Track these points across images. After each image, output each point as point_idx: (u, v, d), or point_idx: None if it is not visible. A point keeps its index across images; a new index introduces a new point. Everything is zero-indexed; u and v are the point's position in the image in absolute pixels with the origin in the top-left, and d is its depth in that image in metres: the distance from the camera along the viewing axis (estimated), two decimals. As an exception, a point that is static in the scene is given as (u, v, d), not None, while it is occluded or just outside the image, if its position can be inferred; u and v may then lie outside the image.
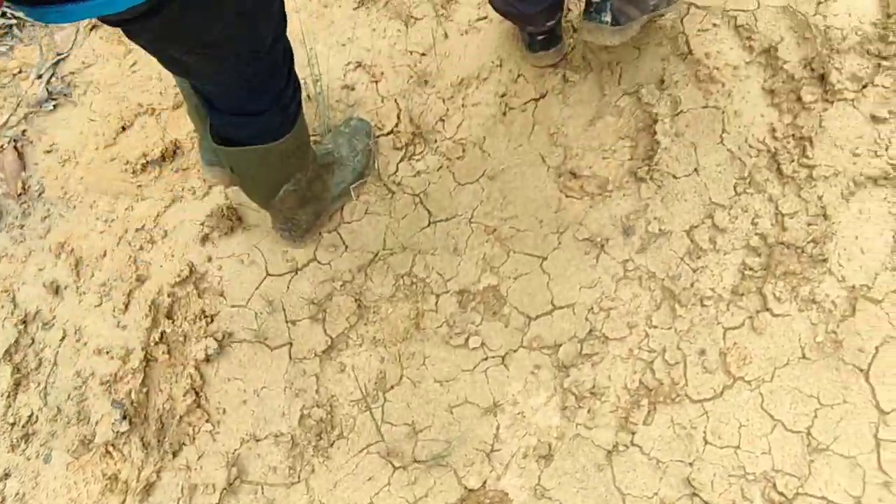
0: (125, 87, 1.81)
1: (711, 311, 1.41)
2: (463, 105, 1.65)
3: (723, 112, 1.52)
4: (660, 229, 1.48)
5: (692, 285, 1.43)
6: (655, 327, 1.42)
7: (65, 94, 1.84)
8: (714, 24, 1.57)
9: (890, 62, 1.46)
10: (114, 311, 1.61)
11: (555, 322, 1.47)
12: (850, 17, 1.49)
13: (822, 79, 1.48)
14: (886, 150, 1.42)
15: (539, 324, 1.47)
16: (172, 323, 1.57)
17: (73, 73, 1.86)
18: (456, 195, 1.59)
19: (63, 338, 1.62)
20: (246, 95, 1.11)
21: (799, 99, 1.48)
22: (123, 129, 1.77)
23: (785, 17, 1.52)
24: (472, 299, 1.50)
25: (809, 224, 1.41)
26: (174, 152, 1.72)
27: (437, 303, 1.51)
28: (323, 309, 1.54)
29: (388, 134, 1.66)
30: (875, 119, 1.44)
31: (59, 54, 1.87)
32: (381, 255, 1.55)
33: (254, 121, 1.15)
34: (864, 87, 1.47)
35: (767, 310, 1.39)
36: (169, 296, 1.59)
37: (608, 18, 1.38)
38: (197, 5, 0.87)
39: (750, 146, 1.49)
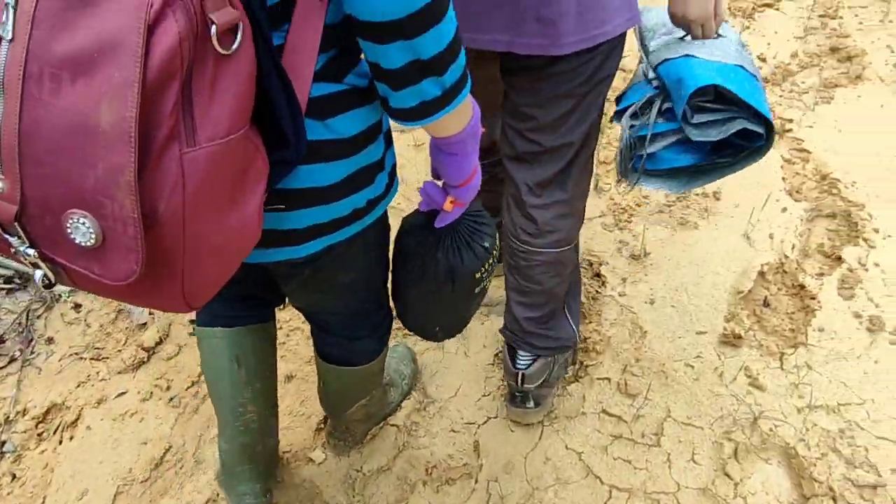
0: None
1: None
2: None
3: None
4: None
5: None
6: None
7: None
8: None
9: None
10: None
11: None
12: (768, 495, 1.53)
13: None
14: None
15: None
16: None
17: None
18: None
19: None
20: (355, 323, 1.26)
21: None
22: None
23: (705, 499, 1.55)
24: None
25: None
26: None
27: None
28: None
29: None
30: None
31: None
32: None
33: (354, 344, 1.29)
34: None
35: None
36: None
37: (531, 405, 1.63)
38: (343, 255, 1.00)
39: None
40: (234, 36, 0.64)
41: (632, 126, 1.27)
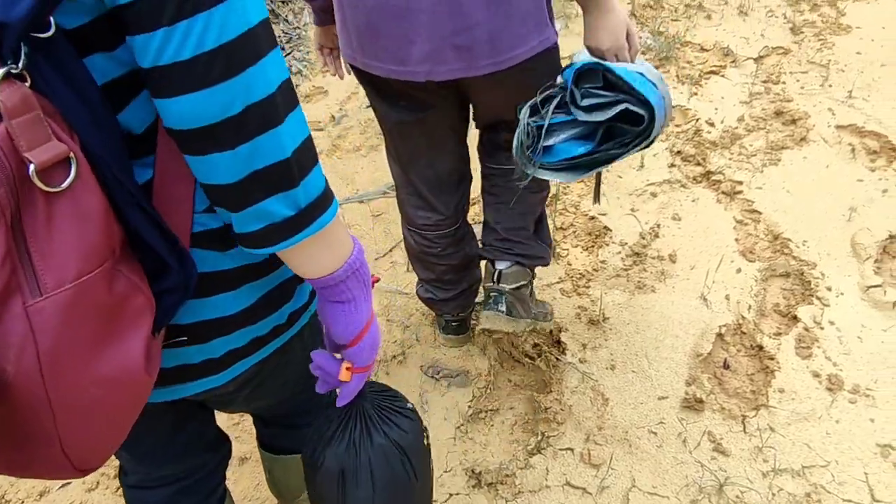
0: None
1: None
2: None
3: None
4: None
5: None
6: None
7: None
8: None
9: None
10: None
11: None
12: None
13: None
14: None
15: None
16: None
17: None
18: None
19: None
20: (299, 413, 1.17)
21: None
22: None
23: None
24: None
25: None
26: None
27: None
28: None
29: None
30: None
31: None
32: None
33: (298, 432, 1.18)
34: None
35: None
36: None
37: (503, 308, 1.65)
38: (278, 363, 0.92)
39: None
40: (68, 171, 0.57)
41: (532, 119, 1.31)
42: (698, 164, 2.48)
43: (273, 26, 3.37)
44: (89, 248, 0.59)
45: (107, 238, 0.61)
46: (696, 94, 2.80)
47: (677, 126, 2.67)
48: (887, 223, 2.16)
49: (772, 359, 1.83)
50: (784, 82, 2.81)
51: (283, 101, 0.65)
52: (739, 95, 2.76)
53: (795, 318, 1.93)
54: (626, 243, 2.20)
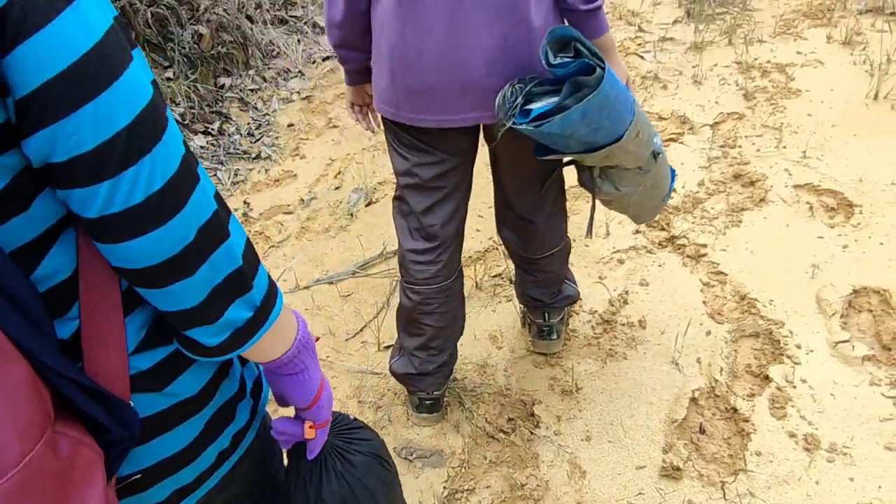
0: None
1: None
2: None
3: None
4: None
5: None
6: None
7: None
8: None
9: None
10: None
11: None
12: None
13: None
14: None
15: None
16: None
17: None
18: None
19: None
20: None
21: None
22: None
23: None
24: None
25: None
26: None
27: None
28: None
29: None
30: None
31: None
32: None
33: None
34: None
35: None
36: None
37: (556, 337, 2.05)
38: (232, 482, 0.87)
39: None
40: None
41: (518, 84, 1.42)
42: (662, 229, 2.52)
43: (243, 114, 3.46)
44: (25, 423, 0.54)
45: (41, 405, 0.56)
46: (656, 161, 2.87)
47: (640, 193, 2.73)
48: (850, 278, 2.19)
49: (747, 421, 1.82)
50: (740, 146, 2.89)
51: (224, 211, 0.66)
52: (698, 161, 2.84)
53: (768, 378, 1.92)
54: (596, 311, 2.21)
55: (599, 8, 1.45)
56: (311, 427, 0.86)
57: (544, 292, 1.95)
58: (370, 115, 1.80)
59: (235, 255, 0.66)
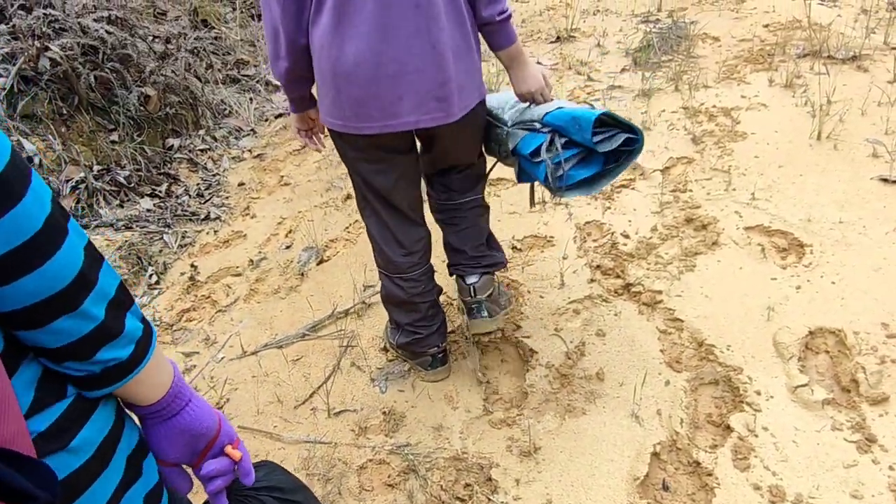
0: None
1: None
2: None
3: None
4: None
5: None
6: None
7: None
8: None
9: None
10: None
11: None
12: None
13: None
14: None
15: None
16: None
17: None
18: None
19: None
20: None
21: None
22: None
23: None
24: None
25: None
26: None
27: None
28: None
29: None
30: None
31: None
32: None
33: None
34: None
35: None
36: None
37: (486, 314, 2.07)
38: None
39: None
40: None
41: (549, 157, 1.74)
42: (617, 276, 2.50)
43: (192, 174, 3.39)
44: None
45: None
46: (609, 208, 2.87)
47: (594, 241, 2.71)
48: (805, 319, 2.17)
49: (710, 475, 1.75)
50: (691, 190, 2.91)
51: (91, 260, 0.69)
52: (650, 206, 2.84)
53: (729, 428, 1.87)
54: (553, 365, 2.15)
55: (510, 17, 1.68)
56: (233, 447, 0.87)
57: (466, 243, 2.03)
58: (315, 137, 1.96)
59: (113, 282, 0.72)
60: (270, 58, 1.65)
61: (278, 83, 1.75)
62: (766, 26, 4.39)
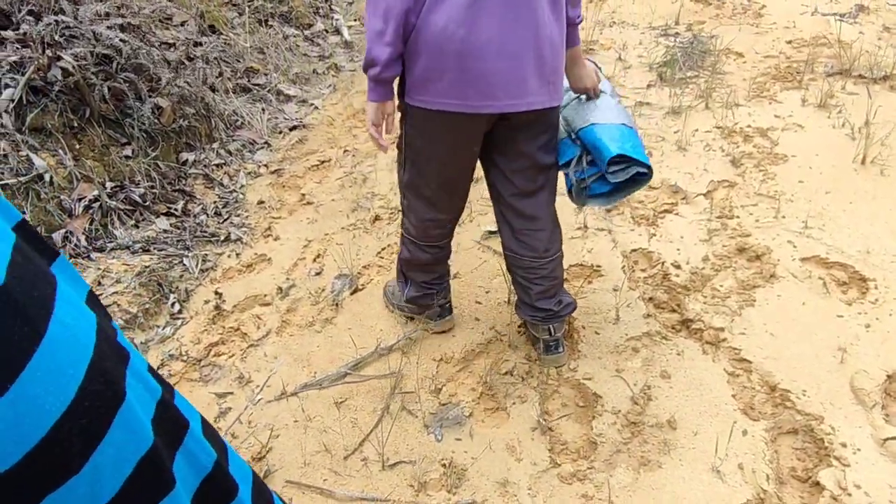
0: None
1: None
2: None
3: None
4: None
5: None
6: None
7: None
8: None
9: None
10: None
11: None
12: None
13: None
14: None
15: None
16: None
17: None
18: None
19: None
20: None
21: None
22: None
23: None
24: None
25: None
26: None
27: None
28: None
29: None
30: None
31: None
32: None
33: None
34: None
35: None
36: None
37: (562, 350, 2.16)
38: None
39: None
40: None
41: (575, 171, 1.96)
42: (673, 310, 2.38)
43: (208, 191, 3.21)
44: None
45: None
46: (654, 234, 2.75)
47: (643, 270, 2.59)
48: (880, 362, 2.07)
49: (806, 539, 1.64)
50: (738, 216, 2.80)
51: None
52: (698, 233, 2.73)
53: (818, 485, 1.76)
54: (620, 411, 2.02)
55: (582, 21, 1.88)
56: None
57: (552, 301, 2.08)
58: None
59: None
60: (371, 37, 1.59)
61: (371, 65, 1.65)
62: (790, 42, 4.31)
